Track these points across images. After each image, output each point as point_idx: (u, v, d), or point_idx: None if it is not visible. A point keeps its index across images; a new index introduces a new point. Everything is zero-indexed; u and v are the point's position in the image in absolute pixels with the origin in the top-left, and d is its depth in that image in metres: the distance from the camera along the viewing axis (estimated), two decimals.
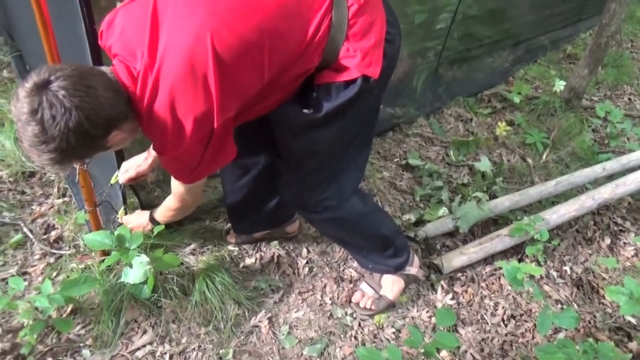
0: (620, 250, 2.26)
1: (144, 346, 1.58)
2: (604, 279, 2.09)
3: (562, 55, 3.69)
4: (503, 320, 1.86)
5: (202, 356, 1.59)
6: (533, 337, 1.81)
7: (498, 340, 1.78)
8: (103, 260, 1.60)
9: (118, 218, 1.75)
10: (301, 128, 1.30)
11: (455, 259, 1.97)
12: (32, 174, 2.02)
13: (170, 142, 1.16)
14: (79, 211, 1.82)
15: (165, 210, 1.55)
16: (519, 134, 2.82)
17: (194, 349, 1.60)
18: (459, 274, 1.99)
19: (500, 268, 1.99)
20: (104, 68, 1.13)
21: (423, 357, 1.44)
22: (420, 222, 2.14)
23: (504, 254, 2.08)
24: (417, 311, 1.83)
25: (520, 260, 2.06)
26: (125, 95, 1.11)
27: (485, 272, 2.02)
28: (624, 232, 2.34)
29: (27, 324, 1.48)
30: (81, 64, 1.08)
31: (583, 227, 2.32)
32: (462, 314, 1.86)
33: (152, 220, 1.64)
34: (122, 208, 1.74)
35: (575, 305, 1.96)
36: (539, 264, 2.08)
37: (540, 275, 2.03)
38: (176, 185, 1.38)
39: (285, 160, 1.45)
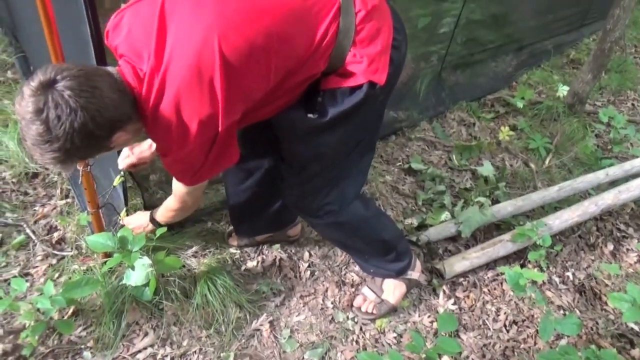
0: (623, 257, 2.25)
1: (145, 349, 1.58)
2: (606, 285, 2.08)
3: (566, 60, 3.68)
4: (505, 325, 1.86)
5: (203, 359, 1.59)
6: (535, 343, 1.80)
7: (500, 346, 1.78)
8: (105, 262, 1.60)
9: (120, 220, 1.75)
10: (305, 132, 1.30)
11: (457, 264, 1.96)
12: (36, 175, 2.02)
13: (173, 144, 1.16)
14: (82, 213, 1.82)
15: (166, 210, 1.55)
16: (522, 138, 2.81)
17: (195, 352, 1.60)
18: (461, 279, 1.98)
19: (503, 273, 1.99)
20: (109, 68, 1.12)
21: None
22: (422, 227, 2.13)
23: (507, 259, 2.07)
24: (419, 316, 1.83)
25: (522, 266, 2.06)
26: (130, 97, 1.10)
27: (488, 278, 2.02)
28: (626, 239, 2.33)
29: (29, 325, 1.49)
30: (87, 64, 1.08)
31: (586, 232, 2.31)
32: (464, 319, 1.85)
33: (152, 220, 1.64)
34: (124, 210, 1.74)
35: (578, 312, 1.95)
36: (541, 269, 2.08)
37: (543, 280, 2.02)
38: (177, 186, 1.38)
39: (289, 164, 1.45)
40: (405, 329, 1.77)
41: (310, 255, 1.96)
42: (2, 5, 2.61)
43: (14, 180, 1.98)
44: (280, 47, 1.12)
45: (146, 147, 1.54)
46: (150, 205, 1.82)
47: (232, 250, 1.91)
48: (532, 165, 2.63)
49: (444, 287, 1.93)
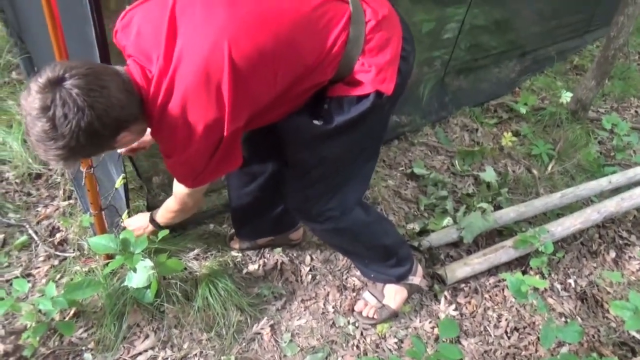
0: (625, 264, 2.24)
1: (145, 351, 1.58)
2: (608, 292, 2.08)
3: (569, 67, 3.68)
4: (506, 332, 1.85)
5: None
6: (536, 350, 1.80)
7: (501, 353, 1.77)
8: (107, 264, 1.60)
9: (121, 221, 1.75)
10: (310, 139, 1.31)
11: (459, 270, 1.96)
12: (39, 176, 2.03)
13: (178, 146, 1.17)
14: (84, 214, 1.82)
15: (166, 211, 1.55)
16: (525, 144, 2.81)
17: (195, 355, 1.60)
18: (463, 285, 1.98)
19: (504, 280, 1.98)
20: (118, 68, 1.12)
21: None
22: (424, 232, 2.13)
23: (508, 265, 2.07)
24: (420, 321, 1.82)
25: (524, 272, 2.05)
26: (137, 97, 1.10)
27: (489, 284, 2.01)
28: (629, 246, 2.33)
29: (30, 326, 1.49)
30: (96, 63, 1.09)
31: (588, 240, 2.31)
32: (465, 325, 1.85)
33: (152, 221, 1.64)
34: (126, 212, 1.74)
35: (579, 319, 1.95)
36: (543, 276, 2.07)
37: (544, 287, 2.01)
38: (178, 188, 1.38)
39: (292, 169, 1.45)
40: (406, 335, 1.77)
41: (312, 259, 1.96)
42: (7, 7, 2.62)
43: (17, 180, 1.99)
44: (290, 54, 1.12)
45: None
46: (153, 207, 1.82)
47: (233, 253, 1.91)
48: (535, 172, 2.63)
49: (446, 293, 1.93)
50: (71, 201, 1.95)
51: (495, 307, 1.93)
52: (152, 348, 1.59)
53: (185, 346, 1.61)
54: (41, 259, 1.76)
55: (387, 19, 1.23)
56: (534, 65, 3.45)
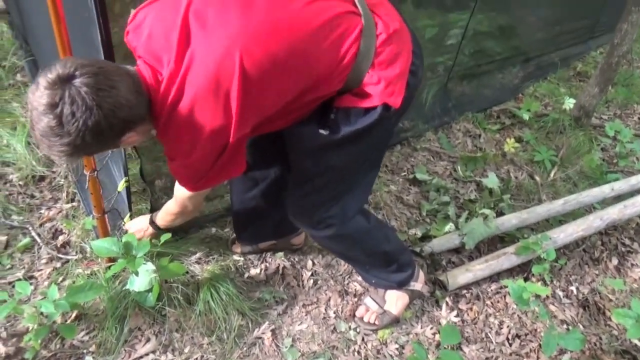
0: (628, 272, 2.24)
1: (147, 354, 1.58)
2: (610, 300, 2.07)
3: (573, 73, 3.68)
4: (508, 339, 1.85)
5: None
6: (538, 358, 1.79)
7: None
8: (109, 267, 1.61)
9: (123, 224, 1.76)
10: (315, 147, 1.31)
11: (460, 276, 1.96)
12: (42, 178, 2.03)
13: (182, 150, 1.17)
14: (87, 216, 1.83)
15: (166, 214, 1.55)
16: (528, 151, 2.81)
17: (196, 359, 1.60)
18: (464, 291, 1.98)
19: (506, 286, 1.98)
20: (129, 68, 1.12)
21: None
22: (426, 237, 2.13)
23: (510, 272, 2.07)
24: (422, 327, 1.82)
25: (526, 279, 2.05)
26: (146, 98, 1.10)
27: (491, 290, 2.01)
28: (631, 254, 2.32)
29: (32, 328, 1.49)
30: (107, 62, 1.08)
31: (590, 247, 2.30)
32: (467, 332, 1.84)
33: (152, 223, 1.64)
34: (128, 215, 1.75)
35: (581, 326, 1.94)
36: (545, 283, 2.07)
37: (546, 294, 2.01)
38: (179, 191, 1.38)
39: (295, 175, 1.46)
40: (408, 341, 1.77)
41: (314, 264, 1.96)
42: (13, 9, 2.64)
43: (20, 182, 1.99)
44: (301, 65, 1.13)
45: None
46: (156, 210, 1.83)
47: (235, 257, 1.91)
48: (537, 178, 2.63)
49: (447, 299, 1.93)
50: (74, 204, 1.95)
51: (497, 313, 1.93)
52: (153, 352, 1.59)
53: (186, 350, 1.61)
54: (44, 261, 1.76)
55: (398, 33, 1.24)
56: (537, 72, 3.46)
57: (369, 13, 1.20)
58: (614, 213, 2.26)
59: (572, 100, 3.00)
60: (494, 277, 2.04)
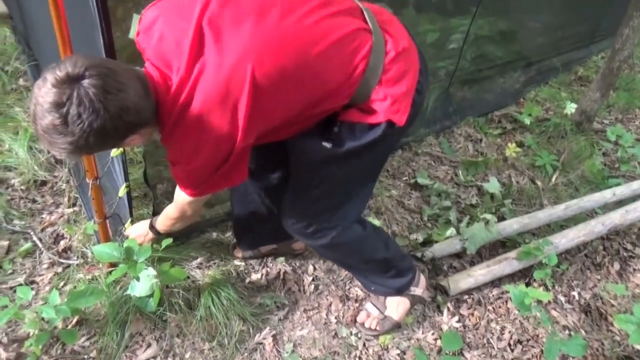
0: (630, 277, 2.23)
1: None
2: (612, 305, 2.06)
3: (574, 78, 3.68)
4: (509, 345, 1.84)
5: None
6: None
7: None
8: (110, 272, 1.61)
9: (124, 229, 1.76)
10: (316, 160, 1.32)
11: (462, 281, 1.95)
12: (44, 183, 2.04)
13: (185, 156, 1.17)
14: (89, 221, 1.83)
15: (165, 218, 1.55)
16: (529, 155, 2.81)
17: None
18: (466, 296, 1.97)
19: (508, 291, 1.98)
20: (138, 70, 1.11)
21: None
22: (427, 242, 2.13)
23: (512, 277, 2.06)
24: (423, 333, 1.82)
25: (527, 284, 2.04)
26: (153, 102, 1.10)
27: (492, 295, 2.00)
28: (633, 259, 2.31)
29: (33, 334, 1.49)
30: (118, 63, 1.07)
31: (592, 252, 2.30)
32: (468, 337, 1.84)
33: (152, 228, 1.64)
34: (129, 220, 1.75)
35: (583, 332, 1.94)
36: (546, 288, 2.06)
37: (548, 300, 2.00)
38: (179, 195, 1.38)
39: (293, 185, 1.46)
40: (409, 346, 1.76)
41: (315, 269, 1.96)
42: (16, 14, 2.65)
43: (22, 187, 2.00)
44: (311, 79, 1.14)
45: None
46: (158, 214, 1.83)
47: (236, 262, 1.91)
48: (539, 183, 2.62)
49: (449, 304, 1.92)
50: (75, 208, 1.96)
51: (499, 319, 1.92)
52: (154, 357, 1.59)
53: (187, 356, 1.61)
54: (45, 266, 1.77)
55: (407, 52, 1.25)
56: (538, 76, 3.46)
57: (379, 30, 1.22)
58: (615, 218, 2.25)
59: (574, 105, 3.00)
60: (496, 282, 2.03)
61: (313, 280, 1.92)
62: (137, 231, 1.69)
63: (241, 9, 1.11)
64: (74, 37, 1.28)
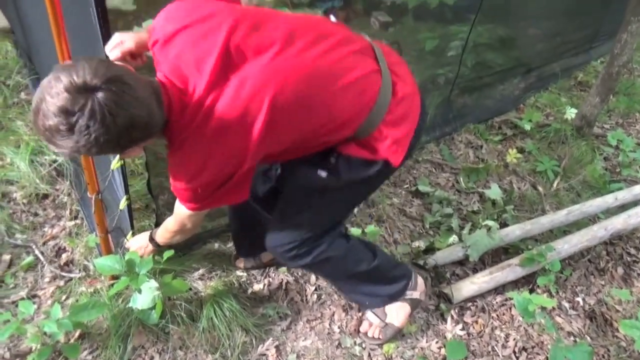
0: (634, 282, 2.22)
1: None
2: (617, 311, 2.05)
3: (574, 83, 3.69)
4: (514, 352, 1.83)
5: None
6: None
7: None
8: (112, 285, 1.60)
9: (126, 242, 1.75)
10: (310, 186, 1.36)
11: (465, 289, 1.94)
12: (46, 196, 2.04)
13: (190, 172, 1.17)
14: (90, 234, 1.83)
15: (164, 231, 1.54)
16: (530, 161, 2.81)
17: None
18: (469, 304, 1.96)
19: (512, 298, 1.96)
20: (154, 82, 1.08)
21: None
22: (430, 250, 2.12)
23: (515, 283, 2.05)
24: (427, 341, 1.81)
25: (531, 291, 2.03)
26: (163, 118, 1.09)
27: (496, 302, 1.99)
28: (637, 263, 2.31)
29: (35, 348, 1.49)
30: (138, 75, 1.03)
31: (595, 257, 2.29)
32: (473, 345, 1.83)
33: (152, 240, 1.63)
34: (130, 232, 1.74)
35: (589, 338, 1.92)
36: (550, 294, 2.05)
37: (552, 306, 1.99)
38: (179, 208, 1.38)
39: (281, 207, 1.49)
40: (413, 355, 1.75)
41: (317, 278, 1.95)
42: (17, 29, 2.67)
43: (24, 201, 2.00)
44: (324, 113, 1.18)
45: (144, 32, 1.23)
46: (160, 225, 1.83)
47: (238, 272, 1.90)
48: (540, 188, 2.62)
49: (452, 312, 1.91)
50: (77, 221, 1.96)
51: (503, 326, 1.91)
52: None
53: None
54: (47, 279, 1.76)
55: (411, 96, 1.31)
56: (538, 82, 3.46)
57: (388, 72, 1.27)
58: (618, 223, 2.25)
59: (574, 110, 3.01)
60: (499, 289, 2.02)
61: (315, 290, 1.91)
62: (137, 244, 1.68)
63: (266, 37, 1.12)
64: (74, 51, 1.28)
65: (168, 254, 1.61)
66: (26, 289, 1.72)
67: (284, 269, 1.94)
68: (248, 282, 1.89)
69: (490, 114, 3.11)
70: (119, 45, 1.20)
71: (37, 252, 1.82)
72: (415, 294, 1.77)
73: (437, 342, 1.81)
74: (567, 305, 2.05)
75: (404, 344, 1.78)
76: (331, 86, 1.17)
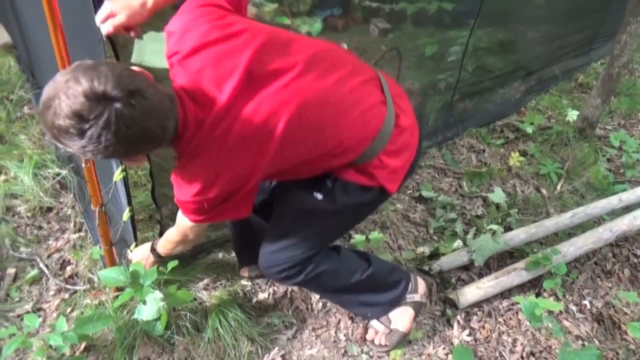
0: None
1: None
2: (625, 313, 2.03)
3: (574, 85, 3.69)
4: (522, 357, 1.81)
5: None
6: None
7: None
8: (117, 297, 1.60)
9: (129, 253, 1.76)
10: (304, 207, 1.39)
11: (471, 294, 1.93)
12: (50, 209, 2.05)
13: (197, 187, 1.17)
14: (94, 246, 1.83)
15: (166, 242, 1.54)
16: (533, 164, 2.80)
17: None
18: (475, 309, 1.95)
19: (518, 302, 1.95)
20: (172, 95, 1.08)
21: None
22: (434, 255, 2.11)
23: (521, 287, 2.04)
24: (434, 348, 1.79)
25: (538, 295, 2.02)
26: (175, 132, 1.09)
27: (503, 307, 1.98)
28: None
29: None
30: (159, 88, 1.02)
31: (601, 259, 2.27)
32: (480, 351, 1.81)
33: (153, 251, 1.63)
34: (134, 244, 1.74)
35: (597, 342, 1.90)
36: (557, 298, 2.04)
37: (559, 310, 1.98)
38: (181, 220, 1.38)
39: (273, 227, 1.50)
40: None
41: None
42: (20, 44, 2.69)
43: (28, 214, 2.01)
44: (333, 138, 1.21)
45: (138, 6, 1.14)
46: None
47: (243, 282, 1.90)
48: (544, 191, 2.61)
49: (458, 318, 1.90)
50: (81, 233, 1.96)
51: (510, 331, 1.90)
52: None
53: None
54: (52, 292, 1.76)
55: (412, 128, 1.36)
56: (538, 85, 3.47)
57: (392, 104, 1.32)
58: (623, 224, 2.23)
59: (575, 112, 3.01)
60: (505, 294, 2.01)
61: (320, 297, 1.90)
62: (139, 255, 1.68)
63: (287, 60, 1.15)
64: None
65: (172, 264, 1.60)
66: (31, 302, 1.72)
67: None
68: (253, 291, 1.89)
69: (492, 118, 3.11)
70: (110, 17, 1.13)
71: (41, 265, 1.83)
72: (417, 297, 1.76)
73: (443, 348, 1.80)
74: (574, 308, 2.03)
75: (411, 351, 1.77)
76: (343, 114, 1.21)
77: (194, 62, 1.11)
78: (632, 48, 2.74)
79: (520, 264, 2.02)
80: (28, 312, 1.68)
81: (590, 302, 2.06)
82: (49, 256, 1.88)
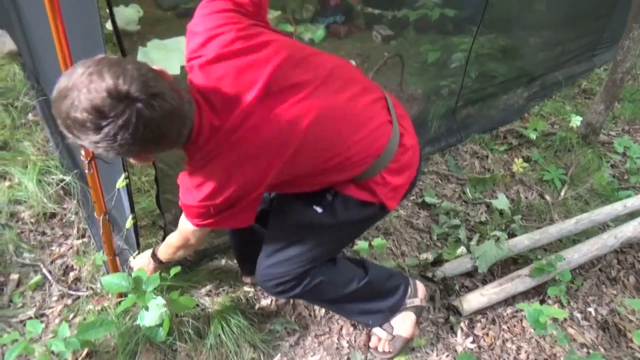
0: None
1: None
2: (630, 321, 2.02)
3: (577, 91, 3.68)
4: None
5: None
6: None
7: None
8: (119, 303, 1.60)
9: (130, 261, 1.75)
10: (303, 220, 1.39)
11: (474, 300, 1.92)
12: (53, 215, 2.05)
13: (206, 192, 1.17)
14: (98, 252, 1.83)
15: (167, 247, 1.54)
16: (536, 170, 2.79)
17: None
18: (479, 316, 1.94)
19: (522, 309, 1.94)
20: (192, 99, 1.09)
21: None
22: (438, 262, 2.10)
23: (525, 294, 2.03)
24: (437, 355, 1.78)
25: (542, 302, 2.01)
26: (188, 137, 1.10)
27: (507, 314, 1.97)
28: None
29: None
30: (181, 92, 1.03)
31: (606, 266, 2.26)
32: (484, 358, 1.80)
33: (154, 257, 1.63)
34: (137, 251, 1.74)
35: (602, 349, 1.89)
36: (562, 305, 2.03)
37: (564, 317, 1.96)
38: (184, 224, 1.38)
39: (269, 241, 1.50)
40: None
41: None
42: (25, 51, 2.71)
43: (32, 220, 2.01)
44: (341, 153, 1.23)
45: None
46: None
47: (246, 288, 1.90)
48: (548, 197, 2.60)
49: (462, 325, 1.89)
50: (85, 239, 1.96)
51: (514, 338, 1.89)
52: None
53: None
54: (55, 298, 1.76)
55: (414, 148, 1.40)
56: (541, 91, 3.46)
57: (397, 123, 1.34)
58: (628, 231, 2.22)
59: (579, 118, 3.00)
60: (509, 301, 2.00)
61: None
62: (140, 262, 1.68)
63: (306, 74, 1.18)
64: None
65: (175, 270, 1.60)
66: (34, 308, 1.72)
67: None
68: (255, 297, 1.88)
69: (495, 124, 3.11)
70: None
71: (44, 271, 1.83)
72: (417, 301, 1.75)
73: (447, 356, 1.78)
74: (579, 315, 2.01)
75: (414, 358, 1.76)
76: (354, 131, 1.23)
77: (216, 70, 1.12)
78: (635, 54, 2.74)
79: (524, 271, 2.01)
80: (31, 317, 1.68)
81: (595, 310, 2.05)
82: (52, 262, 1.88)
